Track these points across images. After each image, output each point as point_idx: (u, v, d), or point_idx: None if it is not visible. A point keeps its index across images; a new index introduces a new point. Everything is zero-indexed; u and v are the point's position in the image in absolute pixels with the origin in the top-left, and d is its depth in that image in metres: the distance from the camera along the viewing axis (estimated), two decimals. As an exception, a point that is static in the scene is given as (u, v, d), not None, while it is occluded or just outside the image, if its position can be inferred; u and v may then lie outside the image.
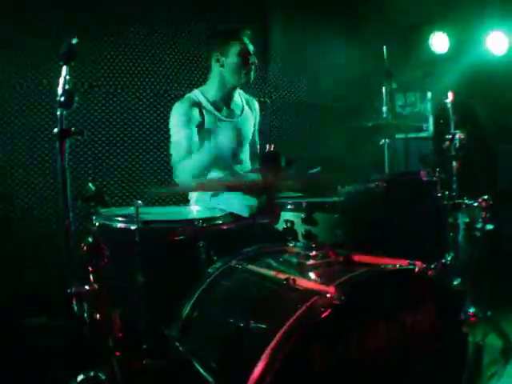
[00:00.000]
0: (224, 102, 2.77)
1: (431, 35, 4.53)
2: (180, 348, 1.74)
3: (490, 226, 2.43)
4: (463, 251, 2.44)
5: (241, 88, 2.84)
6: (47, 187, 3.35)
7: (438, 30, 4.51)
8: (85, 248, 1.45)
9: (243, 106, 2.87)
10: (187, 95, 2.75)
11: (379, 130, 2.89)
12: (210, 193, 2.67)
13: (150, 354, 1.94)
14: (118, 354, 1.52)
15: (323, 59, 4.33)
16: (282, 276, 1.58)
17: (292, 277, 1.54)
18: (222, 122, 2.72)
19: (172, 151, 2.68)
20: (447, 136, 2.66)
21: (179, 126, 2.64)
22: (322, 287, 1.45)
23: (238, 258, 1.91)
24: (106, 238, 1.91)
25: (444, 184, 2.42)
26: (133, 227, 1.98)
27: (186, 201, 2.88)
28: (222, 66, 2.69)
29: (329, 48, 4.30)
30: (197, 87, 2.83)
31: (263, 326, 1.46)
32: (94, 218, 2.15)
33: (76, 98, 1.43)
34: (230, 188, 2.32)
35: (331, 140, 3.92)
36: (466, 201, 2.45)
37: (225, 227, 2.11)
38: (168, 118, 2.76)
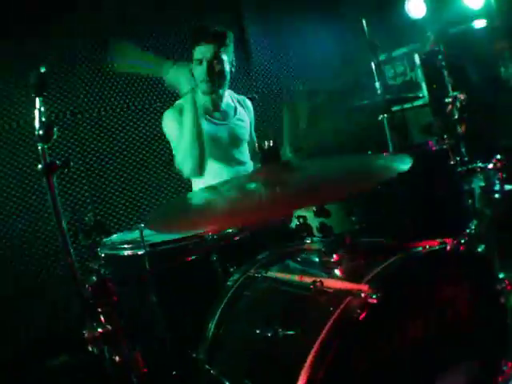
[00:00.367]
0: (214, 105, 2.64)
1: (406, 1, 4.44)
2: (211, 371, 1.64)
3: (509, 187, 2.31)
4: (484, 216, 2.33)
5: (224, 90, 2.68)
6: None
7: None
8: (89, 289, 1.32)
9: (235, 106, 2.74)
10: (177, 102, 2.61)
11: (376, 107, 2.77)
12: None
13: (180, 381, 1.86)
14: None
15: (304, 43, 4.21)
16: (308, 279, 1.48)
17: (319, 279, 1.44)
18: (215, 126, 2.61)
19: (176, 149, 2.55)
20: (447, 100, 2.53)
21: (177, 127, 2.49)
22: (354, 286, 1.35)
23: (255, 265, 1.80)
24: (114, 269, 1.84)
25: (453, 150, 2.31)
26: (140, 252, 1.90)
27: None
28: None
29: (307, 30, 4.18)
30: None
31: (297, 336, 1.36)
32: (98, 249, 2.08)
33: (55, 130, 1.32)
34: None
35: (327, 126, 3.79)
36: (480, 164, 2.33)
37: (237, 237, 2.01)
38: (158, 130, 2.63)
